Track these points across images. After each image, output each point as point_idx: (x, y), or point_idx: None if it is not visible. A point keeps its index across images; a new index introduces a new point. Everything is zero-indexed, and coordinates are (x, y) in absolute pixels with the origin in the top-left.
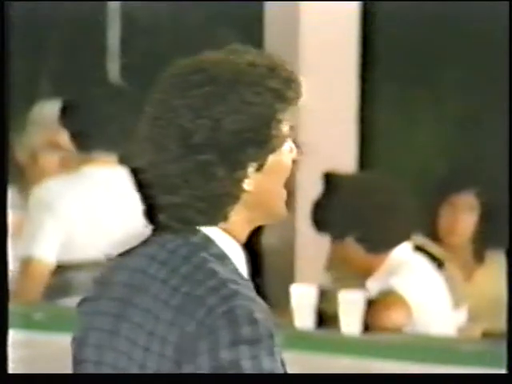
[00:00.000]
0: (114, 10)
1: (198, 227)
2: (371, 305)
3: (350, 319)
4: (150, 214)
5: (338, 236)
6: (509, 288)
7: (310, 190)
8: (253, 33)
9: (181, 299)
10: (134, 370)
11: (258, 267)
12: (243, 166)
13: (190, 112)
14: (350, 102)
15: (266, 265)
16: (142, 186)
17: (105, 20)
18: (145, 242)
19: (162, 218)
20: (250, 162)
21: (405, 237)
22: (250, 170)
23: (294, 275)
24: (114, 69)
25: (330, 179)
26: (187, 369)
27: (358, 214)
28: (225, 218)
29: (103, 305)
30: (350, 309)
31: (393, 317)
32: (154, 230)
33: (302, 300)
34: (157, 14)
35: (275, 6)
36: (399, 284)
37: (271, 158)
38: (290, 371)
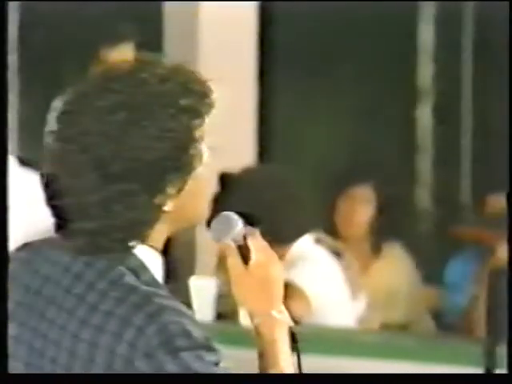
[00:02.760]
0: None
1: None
2: None
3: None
4: (59, 220)
5: None
6: (509, 287)
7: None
8: (152, 28)
9: (101, 318)
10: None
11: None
12: (163, 191)
13: (106, 140)
14: (249, 96)
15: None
16: (52, 198)
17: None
18: (54, 244)
19: (75, 238)
20: (170, 186)
21: (306, 229)
22: (170, 192)
23: (194, 269)
24: (12, 62)
25: (225, 177)
26: None
27: (261, 206)
28: (142, 241)
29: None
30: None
31: (291, 309)
32: (64, 233)
33: (201, 292)
34: (55, 6)
35: (174, 3)
36: (298, 276)
37: (191, 177)
38: None
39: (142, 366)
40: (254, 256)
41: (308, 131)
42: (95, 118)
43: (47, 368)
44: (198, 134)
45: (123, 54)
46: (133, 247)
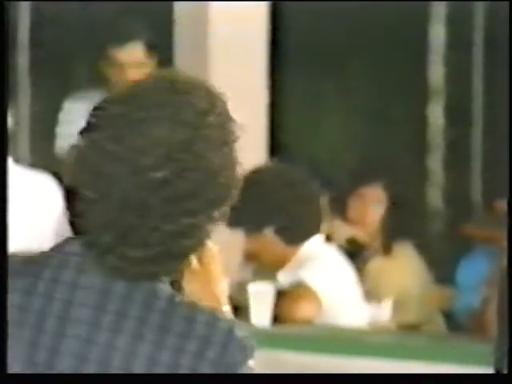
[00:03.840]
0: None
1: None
2: (281, 297)
3: (260, 311)
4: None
5: (254, 229)
6: (509, 286)
7: None
8: (161, 27)
9: (176, 339)
10: None
11: None
12: (214, 224)
13: (190, 175)
14: (261, 95)
15: None
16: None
17: (15, 14)
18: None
19: (121, 263)
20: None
21: (317, 229)
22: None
23: None
24: (23, 62)
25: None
26: None
27: (275, 205)
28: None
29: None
30: (260, 301)
31: (302, 309)
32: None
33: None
34: (65, 7)
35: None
36: (309, 276)
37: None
38: None
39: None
40: (204, 254)
41: (319, 130)
42: (167, 150)
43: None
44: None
45: (132, 52)
46: (170, 276)
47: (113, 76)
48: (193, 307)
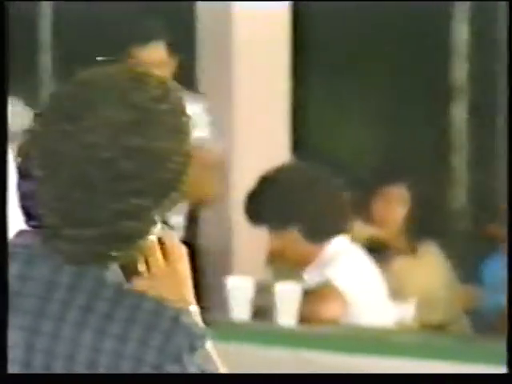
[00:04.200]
0: (45, 7)
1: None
2: (307, 296)
3: (286, 310)
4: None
5: (278, 227)
6: (509, 287)
7: (245, 184)
8: (183, 26)
9: (121, 327)
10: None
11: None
12: (164, 210)
13: (129, 156)
14: (284, 95)
15: (203, 259)
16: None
17: (37, 17)
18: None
19: (67, 244)
20: (168, 207)
21: (341, 228)
22: (165, 212)
23: (231, 269)
24: (46, 63)
25: (263, 173)
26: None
27: (300, 204)
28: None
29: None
30: (286, 300)
31: (328, 308)
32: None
33: (238, 292)
34: (87, 6)
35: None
36: (335, 275)
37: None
38: (225, 363)
39: (172, 371)
40: (171, 251)
41: (342, 131)
42: (105, 131)
43: None
44: (191, 155)
45: (153, 52)
46: (118, 259)
47: None
48: (140, 296)
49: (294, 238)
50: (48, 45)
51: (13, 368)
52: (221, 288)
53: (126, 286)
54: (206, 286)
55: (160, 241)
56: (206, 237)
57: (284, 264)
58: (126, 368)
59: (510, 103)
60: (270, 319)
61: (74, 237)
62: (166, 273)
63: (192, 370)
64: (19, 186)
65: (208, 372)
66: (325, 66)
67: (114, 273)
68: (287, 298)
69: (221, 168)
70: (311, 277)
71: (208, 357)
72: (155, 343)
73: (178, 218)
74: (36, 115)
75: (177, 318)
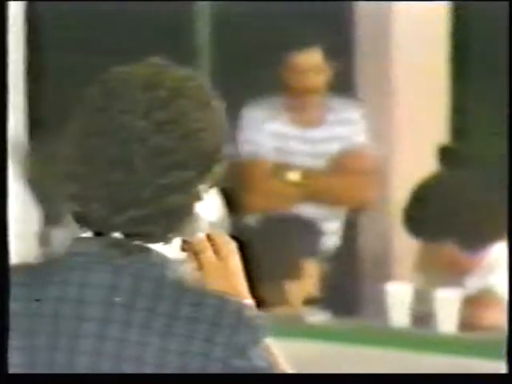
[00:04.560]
0: (203, 8)
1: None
2: (468, 303)
3: (447, 317)
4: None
5: (434, 240)
6: (509, 286)
7: (404, 189)
8: (343, 33)
9: (185, 325)
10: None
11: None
12: (206, 183)
13: (169, 128)
14: (441, 99)
15: (361, 265)
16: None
17: (194, 19)
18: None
19: (113, 234)
20: (209, 180)
21: (500, 233)
22: (206, 186)
23: (390, 275)
24: (204, 66)
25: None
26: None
27: (456, 214)
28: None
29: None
30: (447, 307)
31: (490, 315)
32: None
33: (397, 299)
34: (246, 12)
35: (366, 3)
36: (498, 282)
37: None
38: (386, 369)
39: (238, 365)
40: (222, 247)
41: (499, 136)
42: (145, 110)
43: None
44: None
45: (310, 57)
46: (171, 239)
47: (291, 81)
48: (201, 292)
49: (450, 249)
50: (206, 50)
51: (81, 363)
52: (380, 295)
53: (186, 282)
54: (363, 293)
55: (209, 237)
56: (364, 243)
57: (434, 273)
58: (193, 366)
59: (510, 103)
60: (430, 326)
61: (123, 222)
62: (219, 268)
63: (257, 362)
64: (66, 192)
65: (265, 366)
66: (483, 69)
67: (173, 270)
68: (447, 304)
69: (379, 173)
70: (472, 284)
71: (267, 348)
72: (221, 339)
73: (335, 224)
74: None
75: (240, 313)
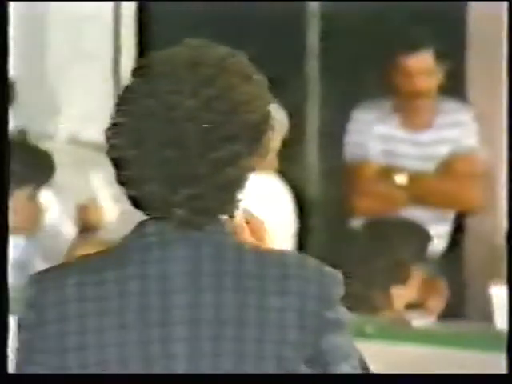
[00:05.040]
0: (313, 9)
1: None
2: None
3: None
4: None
5: None
6: (509, 285)
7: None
8: (455, 35)
9: (278, 284)
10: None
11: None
12: (255, 156)
13: (215, 104)
14: None
15: (468, 267)
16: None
17: (304, 20)
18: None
19: (176, 211)
20: (259, 152)
21: None
22: (256, 158)
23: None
24: (312, 70)
25: None
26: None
27: None
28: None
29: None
30: (501, 303)
31: None
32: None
33: (503, 301)
34: (356, 14)
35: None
36: None
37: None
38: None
39: (330, 315)
40: (257, 229)
41: None
42: (193, 87)
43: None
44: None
45: (421, 60)
46: (227, 212)
47: (401, 84)
48: (279, 253)
49: None
50: (316, 50)
51: (176, 346)
52: (485, 298)
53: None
54: (468, 295)
55: (245, 219)
56: (471, 246)
57: None
58: (291, 321)
59: (510, 103)
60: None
61: (180, 200)
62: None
63: (343, 315)
64: (120, 178)
65: (347, 320)
66: None
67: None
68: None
69: (488, 176)
70: None
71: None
72: (311, 293)
73: (443, 227)
74: (118, 104)
75: (322, 269)
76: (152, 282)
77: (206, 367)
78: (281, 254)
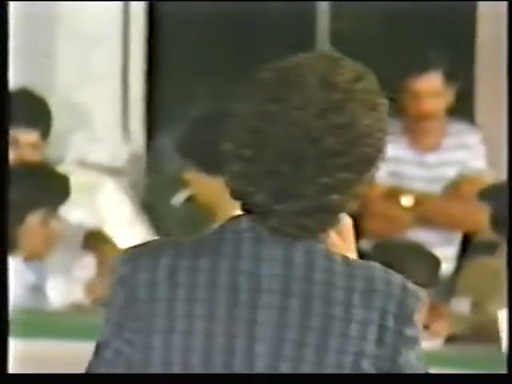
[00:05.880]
0: (322, 31)
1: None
2: None
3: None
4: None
5: None
6: (509, 286)
7: None
8: (463, 57)
9: (359, 298)
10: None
11: None
12: (363, 186)
13: (337, 132)
14: None
15: None
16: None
17: (312, 42)
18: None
19: (274, 222)
20: (368, 182)
21: None
22: (363, 188)
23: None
24: None
25: None
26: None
27: None
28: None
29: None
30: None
31: None
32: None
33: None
34: (365, 36)
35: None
36: None
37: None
38: None
39: (409, 333)
40: (343, 229)
41: None
42: (311, 110)
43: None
44: (388, 134)
45: (430, 82)
46: (322, 233)
47: (409, 106)
48: (368, 266)
49: None
50: None
51: (259, 345)
52: (492, 321)
53: (350, 259)
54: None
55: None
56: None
57: None
58: (371, 335)
59: (509, 103)
60: None
61: (282, 211)
62: (342, 249)
63: (418, 330)
64: (228, 168)
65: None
66: None
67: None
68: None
69: None
70: None
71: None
72: (392, 309)
73: (451, 249)
74: (243, 99)
75: (405, 285)
76: (243, 278)
77: (285, 370)
78: (368, 268)
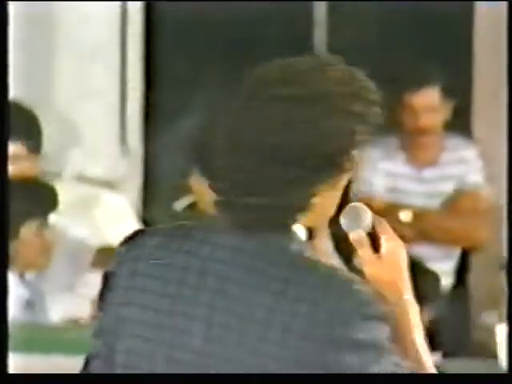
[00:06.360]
0: (318, 43)
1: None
2: None
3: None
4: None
5: None
6: (508, 285)
7: None
8: (461, 72)
9: (297, 290)
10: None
11: None
12: (320, 184)
13: (286, 129)
14: None
15: (472, 303)
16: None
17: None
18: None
19: (243, 213)
20: (326, 181)
21: None
22: (323, 188)
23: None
24: None
25: None
26: None
27: None
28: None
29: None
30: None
31: None
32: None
33: (507, 339)
34: (362, 51)
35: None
36: None
37: (341, 178)
38: None
39: (341, 335)
40: (383, 244)
41: None
42: (278, 107)
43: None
44: (360, 138)
45: (427, 97)
46: (289, 229)
47: (407, 121)
48: (315, 262)
49: None
50: None
51: (194, 324)
52: (490, 336)
53: (305, 253)
54: (474, 334)
55: (372, 234)
56: (476, 284)
57: None
58: (298, 328)
59: (510, 103)
60: None
61: (245, 205)
62: (377, 264)
63: (362, 337)
64: (207, 163)
65: (382, 344)
66: None
67: (298, 244)
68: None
69: (492, 213)
70: None
71: (388, 336)
72: (328, 304)
73: (449, 264)
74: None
75: (348, 284)
76: (197, 261)
77: (214, 351)
78: (315, 264)
